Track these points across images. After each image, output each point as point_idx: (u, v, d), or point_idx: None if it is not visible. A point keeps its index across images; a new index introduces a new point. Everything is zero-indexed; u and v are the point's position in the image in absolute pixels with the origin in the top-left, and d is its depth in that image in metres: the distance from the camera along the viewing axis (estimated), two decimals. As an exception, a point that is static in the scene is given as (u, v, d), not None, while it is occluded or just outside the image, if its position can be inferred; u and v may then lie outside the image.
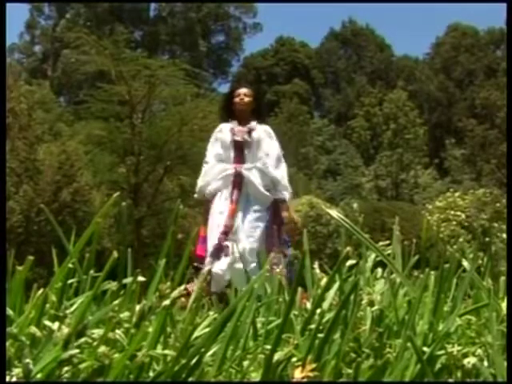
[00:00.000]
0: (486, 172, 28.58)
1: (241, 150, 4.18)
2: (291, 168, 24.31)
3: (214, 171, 4.13)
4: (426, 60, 39.37)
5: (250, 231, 3.91)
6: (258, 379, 0.97)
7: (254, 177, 4.06)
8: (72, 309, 1.09)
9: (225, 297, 1.41)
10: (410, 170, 29.27)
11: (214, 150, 4.22)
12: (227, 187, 4.05)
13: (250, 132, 4.25)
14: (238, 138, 4.18)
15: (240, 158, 4.16)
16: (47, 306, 1.03)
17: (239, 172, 4.07)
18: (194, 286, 1.21)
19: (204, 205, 4.16)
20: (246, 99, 4.36)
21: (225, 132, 4.23)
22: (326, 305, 1.16)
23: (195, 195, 4.27)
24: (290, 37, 39.38)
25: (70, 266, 1.14)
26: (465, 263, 1.32)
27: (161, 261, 1.22)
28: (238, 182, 4.05)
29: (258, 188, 4.03)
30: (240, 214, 3.95)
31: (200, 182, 4.17)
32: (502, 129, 27.89)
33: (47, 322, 0.96)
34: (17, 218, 11.60)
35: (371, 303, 1.16)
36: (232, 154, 4.16)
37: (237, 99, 4.33)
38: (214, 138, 4.28)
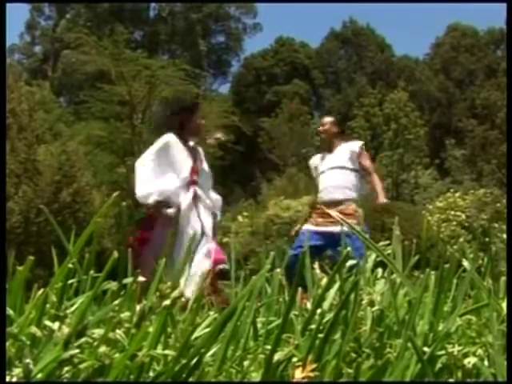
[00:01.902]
0: (486, 172, 28.57)
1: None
2: (292, 168, 24.35)
3: None
4: (425, 60, 39.39)
5: None
6: (258, 379, 0.97)
7: None
8: (72, 309, 1.09)
9: None
10: (411, 171, 29.28)
11: None
12: None
13: None
14: None
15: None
16: (47, 305, 1.03)
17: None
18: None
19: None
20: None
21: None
22: (326, 305, 1.16)
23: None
24: (289, 37, 39.41)
25: (70, 266, 1.14)
26: (465, 263, 1.32)
27: (161, 260, 1.22)
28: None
29: None
30: None
31: None
32: (503, 129, 27.90)
33: (47, 322, 0.96)
34: (16, 219, 11.60)
35: (371, 303, 1.16)
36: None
37: None
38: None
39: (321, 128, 5.23)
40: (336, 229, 4.48)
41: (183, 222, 3.98)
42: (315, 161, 5.18)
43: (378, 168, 28.40)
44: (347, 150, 4.99)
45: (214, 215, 4.26)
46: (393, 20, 63.36)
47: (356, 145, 5.08)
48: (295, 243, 4.73)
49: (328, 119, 5.24)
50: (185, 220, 4.00)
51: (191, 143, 4.26)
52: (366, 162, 5.02)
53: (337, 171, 4.89)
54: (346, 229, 4.29)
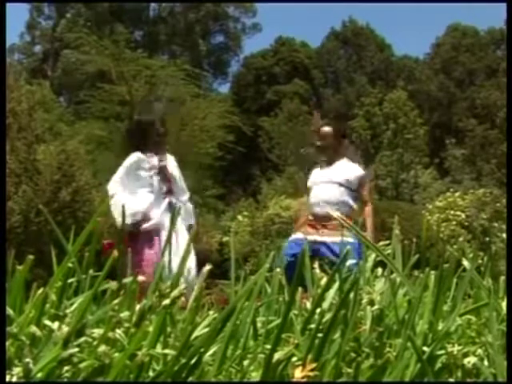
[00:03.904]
0: (486, 172, 28.58)
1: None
2: (292, 168, 24.35)
3: None
4: (426, 60, 39.38)
5: None
6: (258, 379, 0.97)
7: None
8: (72, 308, 1.09)
9: None
10: (410, 170, 29.27)
11: None
12: None
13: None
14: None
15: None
16: (47, 305, 1.03)
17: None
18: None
19: None
20: None
21: None
22: (326, 304, 1.16)
23: None
24: (289, 37, 39.41)
25: (70, 265, 1.14)
26: (465, 263, 1.32)
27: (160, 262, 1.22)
28: None
29: None
30: None
31: None
32: (503, 129, 27.89)
33: (47, 322, 0.96)
34: (16, 219, 11.59)
35: (371, 303, 1.15)
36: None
37: None
38: None
39: (319, 143, 4.88)
40: (328, 239, 4.43)
41: (161, 237, 4.05)
42: (312, 174, 4.93)
43: (378, 168, 28.44)
44: (349, 170, 4.73)
45: (189, 227, 4.27)
46: (393, 20, 63.37)
47: (358, 171, 4.77)
48: (284, 251, 4.61)
49: (327, 130, 4.84)
50: (163, 231, 4.08)
51: (158, 156, 4.28)
52: (365, 194, 4.77)
53: (332, 186, 4.66)
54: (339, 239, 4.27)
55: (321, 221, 4.58)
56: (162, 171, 4.24)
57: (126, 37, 19.13)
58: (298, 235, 4.62)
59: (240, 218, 17.12)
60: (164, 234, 4.06)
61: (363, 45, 39.44)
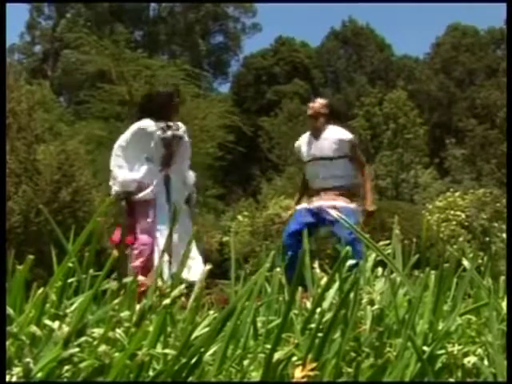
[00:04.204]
0: (486, 172, 28.56)
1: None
2: (292, 167, 24.34)
3: None
4: (426, 60, 39.38)
5: None
6: (258, 378, 0.97)
7: None
8: (72, 308, 1.09)
9: None
10: (410, 170, 29.25)
11: None
12: None
13: None
14: None
15: None
16: (47, 305, 1.03)
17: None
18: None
19: None
20: None
21: None
22: (326, 304, 1.16)
23: None
24: (289, 36, 39.41)
25: (70, 265, 1.14)
26: (465, 263, 1.32)
27: (160, 260, 1.22)
28: None
29: None
30: None
31: None
32: (503, 129, 27.88)
33: (47, 321, 0.96)
34: (16, 219, 11.59)
35: (371, 302, 1.15)
36: None
37: None
38: None
39: (310, 104, 4.85)
40: (328, 204, 4.46)
41: (155, 205, 4.06)
42: (301, 144, 4.84)
43: (378, 168, 28.44)
44: (336, 137, 4.67)
45: (188, 196, 4.30)
46: (393, 20, 63.37)
47: (347, 135, 4.72)
48: (289, 223, 4.59)
49: (320, 100, 4.88)
50: (157, 203, 4.08)
51: (168, 124, 4.29)
52: (359, 156, 4.74)
53: (325, 162, 4.62)
54: (341, 204, 4.33)
55: (321, 192, 4.61)
56: (168, 140, 4.22)
57: (125, 37, 19.11)
58: (302, 206, 4.66)
59: (240, 217, 17.12)
60: (157, 205, 4.07)
61: (363, 45, 39.43)
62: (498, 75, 32.74)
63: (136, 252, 3.88)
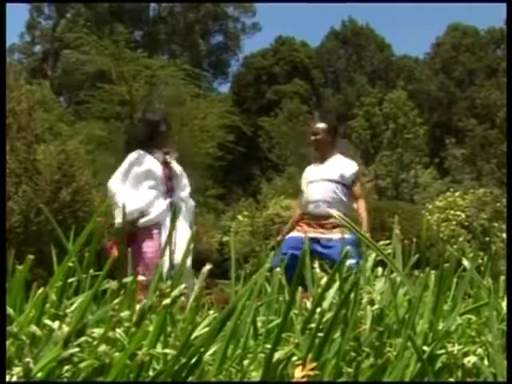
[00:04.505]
0: (486, 172, 28.56)
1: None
2: (292, 167, 24.35)
3: None
4: (426, 60, 39.38)
5: None
6: (258, 378, 0.97)
7: None
8: (72, 308, 1.09)
9: None
10: (410, 170, 29.26)
11: None
12: None
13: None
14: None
15: None
16: (47, 305, 1.03)
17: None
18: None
19: None
20: None
21: None
22: (326, 304, 1.16)
23: None
24: (289, 36, 39.41)
25: (70, 265, 1.14)
26: (465, 262, 1.32)
27: (160, 259, 1.22)
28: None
29: None
30: None
31: None
32: (503, 129, 27.88)
33: (47, 321, 0.96)
34: (16, 219, 11.59)
35: (371, 302, 1.15)
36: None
37: None
38: None
39: (313, 137, 4.86)
40: (325, 236, 4.43)
41: (159, 231, 4.09)
42: (306, 172, 4.91)
43: (378, 168, 28.42)
44: (342, 166, 4.73)
45: (191, 224, 4.31)
46: (393, 20, 63.37)
47: (354, 166, 4.79)
48: (282, 248, 4.45)
49: (321, 126, 4.87)
50: (162, 229, 4.10)
51: (162, 153, 4.32)
52: (357, 186, 4.77)
53: (327, 184, 4.65)
54: (338, 237, 4.27)
55: (317, 219, 4.57)
56: (166, 167, 4.26)
57: (125, 37, 19.08)
58: (295, 234, 4.61)
59: (240, 217, 17.12)
60: (164, 231, 4.08)
61: (363, 44, 39.44)
62: (498, 75, 32.74)
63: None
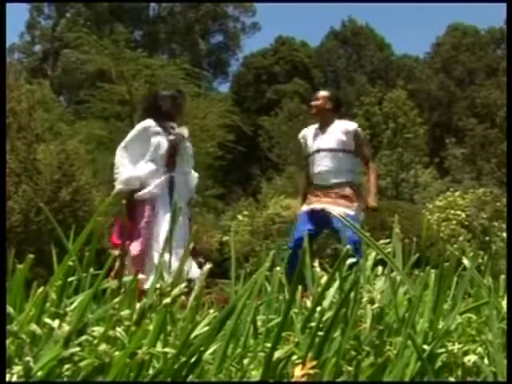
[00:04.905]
0: (486, 171, 28.55)
1: None
2: (292, 167, 24.36)
3: None
4: (426, 59, 39.38)
5: None
6: (258, 377, 0.97)
7: None
8: (72, 307, 1.09)
9: None
10: (410, 170, 29.25)
11: None
12: None
13: None
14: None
15: None
16: (47, 303, 1.03)
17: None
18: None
19: None
20: None
21: None
22: (326, 303, 1.16)
23: None
24: (289, 36, 39.41)
25: (70, 264, 1.14)
26: (465, 261, 1.32)
27: (160, 259, 1.22)
28: None
29: None
30: None
31: None
32: (503, 128, 27.88)
33: (47, 320, 0.96)
34: (16, 218, 11.59)
35: (371, 301, 1.15)
36: None
37: None
38: None
39: (313, 102, 4.78)
40: (330, 208, 4.42)
41: (155, 207, 4.07)
42: (306, 136, 4.79)
43: (378, 167, 28.40)
44: (342, 130, 4.65)
45: (190, 199, 4.32)
46: (393, 19, 63.36)
47: (352, 126, 4.72)
48: (295, 229, 4.54)
49: (323, 93, 4.83)
50: (158, 203, 4.08)
51: (172, 126, 4.32)
52: (364, 149, 4.72)
53: (330, 155, 4.58)
54: (341, 210, 4.29)
55: (324, 190, 4.56)
56: (172, 141, 4.25)
57: (125, 36, 19.09)
58: (305, 207, 4.59)
59: (240, 217, 17.12)
60: (158, 206, 4.08)
61: (363, 44, 39.43)
62: (498, 75, 32.74)
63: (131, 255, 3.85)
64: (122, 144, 4.26)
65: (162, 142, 4.21)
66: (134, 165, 4.16)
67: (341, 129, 4.67)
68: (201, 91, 19.18)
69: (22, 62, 37.69)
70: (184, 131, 4.40)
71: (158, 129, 4.24)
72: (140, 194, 4.08)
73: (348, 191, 4.52)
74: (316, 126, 4.80)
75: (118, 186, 4.09)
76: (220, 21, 41.70)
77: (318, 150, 4.65)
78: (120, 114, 16.82)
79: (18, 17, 53.12)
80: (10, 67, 15.93)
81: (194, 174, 4.43)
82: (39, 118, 15.23)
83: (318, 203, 4.52)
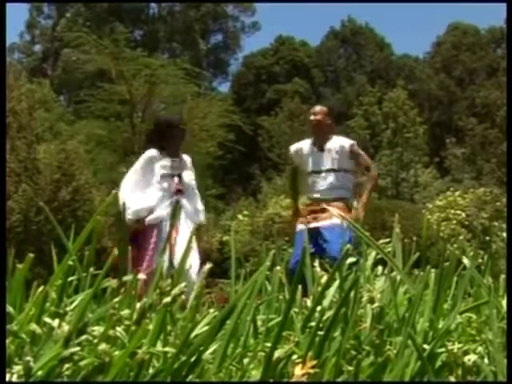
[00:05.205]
0: (486, 171, 28.54)
1: None
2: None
3: None
4: (426, 59, 39.36)
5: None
6: (258, 377, 0.96)
7: None
8: (72, 306, 1.09)
9: None
10: (410, 169, 29.25)
11: None
12: None
13: None
14: None
15: None
16: (47, 303, 1.03)
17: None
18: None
19: None
20: None
21: None
22: (326, 302, 1.16)
23: None
24: (289, 36, 39.39)
25: (70, 263, 1.14)
26: (465, 261, 1.32)
27: (160, 258, 1.22)
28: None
29: None
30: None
31: None
32: (503, 128, 27.86)
33: (47, 320, 0.96)
34: (16, 218, 11.59)
35: (371, 300, 1.15)
36: None
37: None
38: None
39: (313, 117, 4.71)
40: (325, 223, 4.44)
41: (162, 230, 4.18)
42: (301, 152, 4.74)
43: (377, 167, 28.38)
44: (338, 149, 4.63)
45: (197, 224, 4.38)
46: (393, 19, 63.35)
47: (347, 143, 4.68)
48: (295, 248, 4.49)
49: (321, 108, 4.77)
50: (164, 228, 4.18)
51: (175, 156, 4.45)
52: (362, 161, 4.70)
53: (330, 174, 4.60)
54: (337, 222, 4.30)
55: (319, 205, 4.56)
56: (176, 170, 4.38)
57: (125, 36, 19.06)
58: (302, 226, 4.58)
59: (240, 217, 17.13)
60: (165, 227, 4.17)
61: (363, 44, 39.43)
62: (498, 74, 32.72)
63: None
64: (128, 172, 4.40)
65: (166, 170, 4.33)
66: (141, 192, 4.28)
67: (337, 148, 4.66)
68: (201, 91, 19.18)
69: (22, 62, 37.67)
70: (186, 158, 4.54)
71: (163, 158, 4.36)
72: (148, 219, 4.19)
73: (342, 206, 4.54)
74: (309, 141, 4.79)
75: (129, 217, 4.17)
76: (220, 20, 41.70)
77: (318, 171, 4.66)
78: (120, 114, 16.80)
79: (18, 17, 53.12)
80: (10, 67, 15.92)
81: (200, 203, 4.50)
82: (39, 118, 15.23)
83: (315, 221, 4.53)
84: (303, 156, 4.75)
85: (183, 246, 3.96)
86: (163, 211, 4.19)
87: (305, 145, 4.82)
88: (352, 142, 4.77)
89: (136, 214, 4.16)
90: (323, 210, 4.53)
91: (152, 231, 4.17)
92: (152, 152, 4.37)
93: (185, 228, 4.11)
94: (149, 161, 4.35)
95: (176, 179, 4.34)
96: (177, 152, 4.47)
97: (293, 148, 4.89)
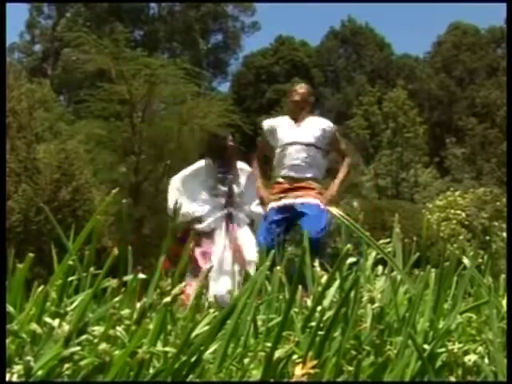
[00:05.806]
0: (486, 171, 28.55)
1: None
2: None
3: None
4: (426, 59, 39.38)
5: None
6: (258, 377, 0.96)
7: None
8: (72, 306, 1.09)
9: None
10: (410, 169, 29.26)
11: None
12: None
13: None
14: None
15: None
16: (48, 303, 1.03)
17: None
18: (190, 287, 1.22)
19: None
20: None
21: None
22: (326, 302, 1.16)
23: None
24: (289, 35, 39.42)
25: (70, 263, 1.14)
26: (465, 261, 1.32)
27: (161, 258, 1.22)
28: None
29: None
30: None
31: None
32: (503, 128, 27.87)
33: (48, 319, 0.96)
34: (16, 218, 11.59)
35: (372, 300, 1.15)
36: None
37: None
38: None
39: (295, 94, 4.64)
40: (301, 200, 4.42)
41: (212, 238, 4.37)
42: (276, 127, 4.65)
43: (377, 167, 28.42)
44: (319, 127, 4.57)
45: (251, 224, 4.55)
46: (393, 19, 63.37)
47: (329, 125, 4.62)
48: (263, 228, 4.39)
49: (305, 86, 4.78)
50: (214, 237, 4.36)
51: (228, 168, 4.65)
52: (342, 145, 4.68)
53: (306, 148, 4.50)
54: (314, 201, 4.30)
55: (292, 182, 4.52)
56: (228, 181, 4.57)
57: (125, 36, 19.02)
58: (273, 204, 4.50)
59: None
60: (218, 240, 4.34)
61: (362, 44, 39.43)
62: (498, 74, 32.74)
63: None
64: (179, 175, 4.57)
65: (218, 182, 4.52)
66: (191, 199, 4.43)
67: (318, 126, 4.60)
68: (201, 91, 19.17)
69: (22, 62, 37.66)
70: (244, 167, 4.74)
71: (216, 169, 4.56)
72: (199, 226, 4.34)
73: (316, 186, 4.47)
74: (286, 118, 4.70)
75: (180, 219, 4.31)
76: (220, 20, 41.70)
77: (294, 143, 4.55)
78: (120, 114, 16.78)
79: (18, 16, 53.11)
80: (10, 67, 15.92)
81: (257, 210, 4.56)
82: (39, 118, 15.24)
83: (287, 198, 4.48)
84: (278, 130, 4.64)
85: (250, 246, 4.18)
86: (214, 222, 4.38)
87: (281, 120, 4.74)
88: (333, 125, 4.71)
89: (184, 217, 4.32)
90: (297, 189, 4.49)
91: (201, 238, 4.32)
92: (208, 161, 4.61)
93: (244, 237, 4.32)
94: (202, 169, 4.56)
95: (228, 191, 4.53)
96: (232, 166, 4.68)
97: (267, 122, 4.78)
